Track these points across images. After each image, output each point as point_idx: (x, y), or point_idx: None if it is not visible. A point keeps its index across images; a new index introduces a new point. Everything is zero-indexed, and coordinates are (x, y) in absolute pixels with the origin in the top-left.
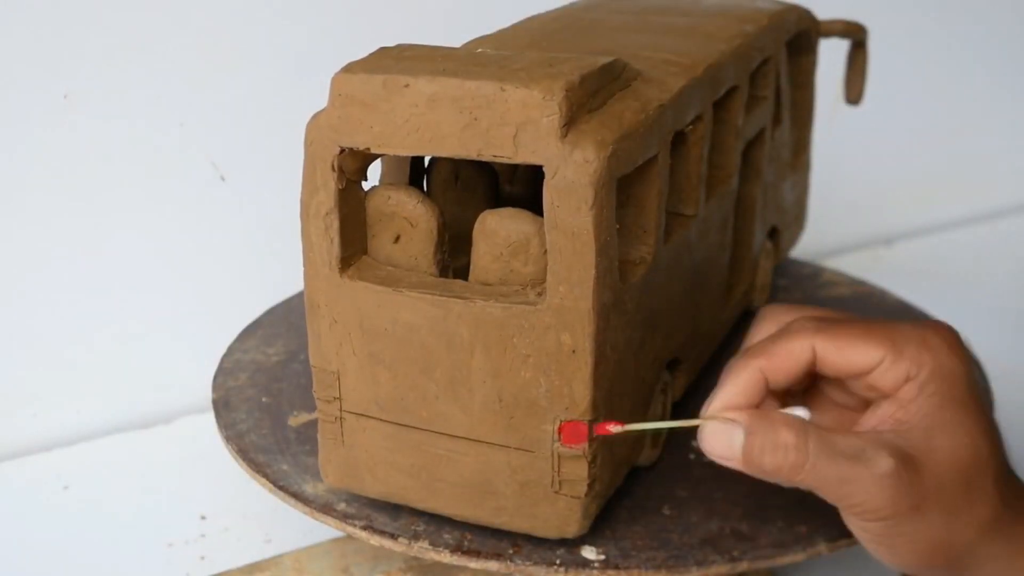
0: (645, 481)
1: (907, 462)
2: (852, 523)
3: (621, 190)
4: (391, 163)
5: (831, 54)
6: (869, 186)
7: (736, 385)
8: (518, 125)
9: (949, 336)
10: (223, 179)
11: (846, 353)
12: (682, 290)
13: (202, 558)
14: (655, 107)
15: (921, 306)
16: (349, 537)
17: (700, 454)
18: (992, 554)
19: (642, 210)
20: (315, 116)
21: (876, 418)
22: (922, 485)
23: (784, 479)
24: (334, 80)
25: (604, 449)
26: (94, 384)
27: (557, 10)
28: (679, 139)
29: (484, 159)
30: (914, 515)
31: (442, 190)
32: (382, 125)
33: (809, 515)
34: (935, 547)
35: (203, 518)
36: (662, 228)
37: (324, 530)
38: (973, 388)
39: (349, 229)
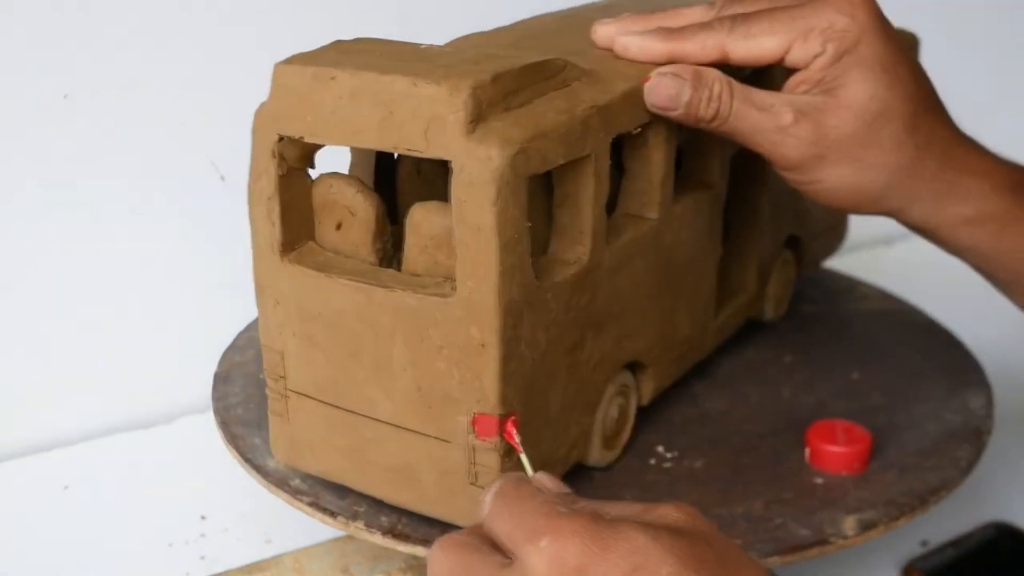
0: (595, 482)
1: (807, 116)
2: (781, 176)
3: (558, 190)
4: (358, 154)
5: None
6: None
7: (643, 52)
8: (428, 120)
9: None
10: (223, 179)
11: (754, 51)
12: (644, 292)
13: (202, 558)
14: (585, 107)
15: (921, 306)
16: (349, 537)
17: (658, 459)
18: (916, 196)
19: (578, 210)
20: (261, 105)
21: (790, 85)
22: (823, 136)
23: (711, 127)
24: (274, 70)
25: (525, 446)
26: (94, 384)
27: (571, 8)
28: (639, 142)
29: (400, 152)
30: (819, 162)
31: (407, 182)
32: (313, 115)
33: (750, 528)
34: (849, 190)
35: (203, 518)
36: (602, 229)
37: (324, 530)
38: (886, 44)
39: (292, 214)
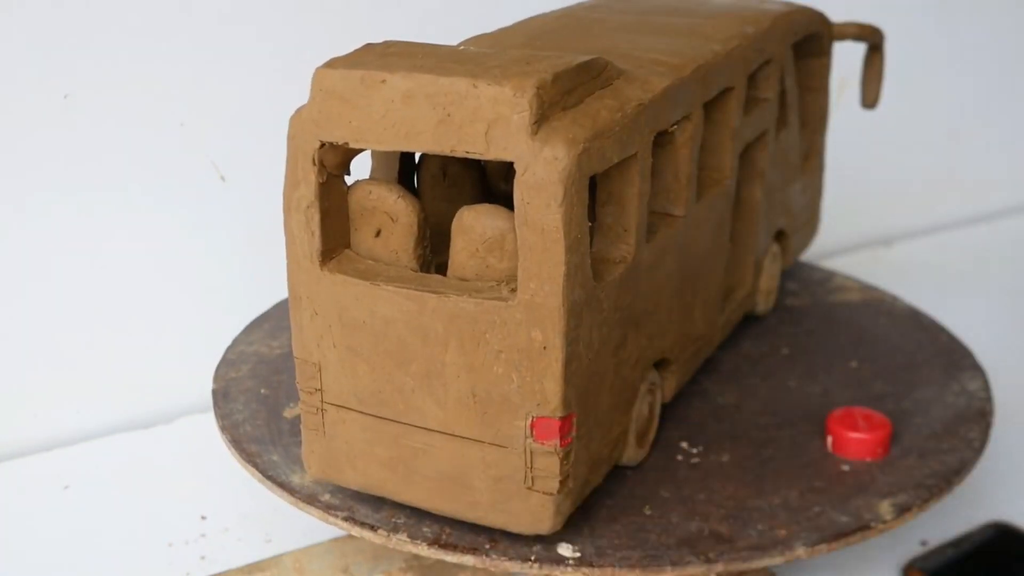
0: (629, 481)
1: None
2: None
3: (602, 188)
4: (380, 158)
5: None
6: (869, 186)
7: None
8: (490, 122)
9: None
10: (223, 179)
11: None
12: (670, 290)
13: (202, 558)
14: (633, 106)
15: (921, 307)
16: (349, 537)
17: (684, 455)
18: None
19: (623, 209)
20: (298, 111)
21: None
22: None
23: None
24: (315, 75)
25: (579, 447)
26: (94, 384)
27: (563, 9)
28: (667, 139)
29: (457, 155)
30: None
31: (430, 186)
32: (360, 120)
33: (791, 518)
34: None
35: (203, 518)
36: (643, 227)
37: (324, 530)
38: None
39: (330, 223)
